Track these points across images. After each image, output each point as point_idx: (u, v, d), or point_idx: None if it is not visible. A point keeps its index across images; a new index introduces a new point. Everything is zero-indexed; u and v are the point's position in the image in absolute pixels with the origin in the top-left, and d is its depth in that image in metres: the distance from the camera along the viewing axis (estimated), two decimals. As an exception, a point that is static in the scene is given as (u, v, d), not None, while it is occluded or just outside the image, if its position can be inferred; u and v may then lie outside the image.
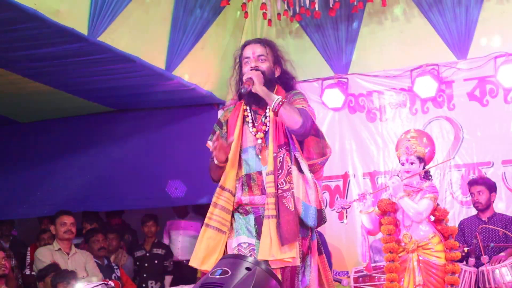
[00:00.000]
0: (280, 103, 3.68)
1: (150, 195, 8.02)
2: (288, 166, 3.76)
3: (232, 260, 2.73)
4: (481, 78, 7.06)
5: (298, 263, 3.70)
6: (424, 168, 5.39)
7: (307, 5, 7.22)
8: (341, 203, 4.89)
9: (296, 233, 3.67)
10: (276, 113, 3.71)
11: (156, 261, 8.27)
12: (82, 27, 5.59)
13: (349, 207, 4.90)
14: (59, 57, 6.14)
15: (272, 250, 3.62)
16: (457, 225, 6.53)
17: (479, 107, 7.08)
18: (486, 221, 6.40)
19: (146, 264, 8.25)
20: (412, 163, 5.33)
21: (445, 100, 7.19)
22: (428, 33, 7.28)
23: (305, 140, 3.89)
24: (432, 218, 5.33)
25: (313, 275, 3.83)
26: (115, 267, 7.42)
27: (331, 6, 7.23)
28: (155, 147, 8.00)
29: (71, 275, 6.39)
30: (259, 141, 3.88)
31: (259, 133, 3.90)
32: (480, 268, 5.87)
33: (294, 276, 3.75)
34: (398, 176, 5.33)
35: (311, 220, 3.73)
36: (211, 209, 3.84)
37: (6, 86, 6.93)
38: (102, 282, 5.93)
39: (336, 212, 4.98)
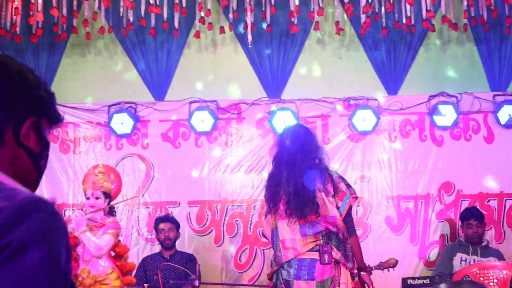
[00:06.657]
0: None
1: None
2: None
3: None
4: (176, 120, 7.33)
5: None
6: (109, 203, 5.43)
7: (8, 27, 6.92)
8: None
9: None
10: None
11: None
12: None
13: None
14: None
15: None
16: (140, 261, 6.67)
17: (172, 148, 7.33)
18: (168, 258, 6.61)
19: None
20: (97, 198, 5.35)
21: (140, 138, 7.33)
22: (128, 72, 7.44)
23: None
24: (113, 253, 5.37)
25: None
26: None
27: (33, 32, 7.02)
28: None
29: None
30: None
31: None
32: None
33: None
34: (83, 210, 5.32)
35: None
36: None
37: None
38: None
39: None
